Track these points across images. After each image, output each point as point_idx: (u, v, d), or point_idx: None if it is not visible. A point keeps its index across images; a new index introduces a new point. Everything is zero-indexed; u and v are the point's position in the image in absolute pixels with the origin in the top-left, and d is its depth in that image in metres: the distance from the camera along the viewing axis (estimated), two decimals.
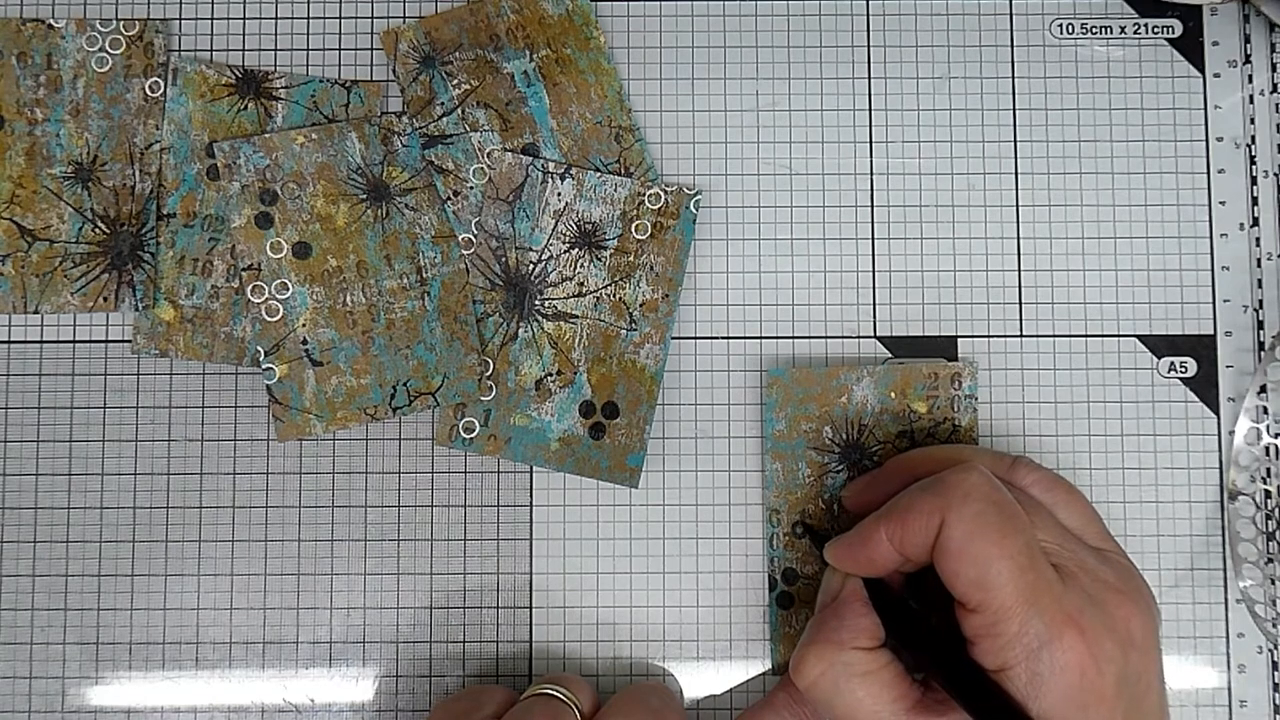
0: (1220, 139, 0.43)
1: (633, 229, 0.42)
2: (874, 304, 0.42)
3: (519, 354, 0.41)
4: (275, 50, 0.43)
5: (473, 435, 0.41)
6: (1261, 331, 0.42)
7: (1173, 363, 0.42)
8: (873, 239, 0.42)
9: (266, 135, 0.41)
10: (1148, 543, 0.41)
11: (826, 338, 0.42)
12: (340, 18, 0.43)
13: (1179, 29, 0.43)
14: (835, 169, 0.43)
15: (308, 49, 0.43)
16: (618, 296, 0.41)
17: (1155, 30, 0.43)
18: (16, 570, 0.41)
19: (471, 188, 0.42)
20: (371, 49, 0.43)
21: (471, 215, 0.42)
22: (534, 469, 0.41)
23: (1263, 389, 0.41)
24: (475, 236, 0.42)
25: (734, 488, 0.41)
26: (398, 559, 0.41)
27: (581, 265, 0.41)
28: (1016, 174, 0.43)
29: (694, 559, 0.41)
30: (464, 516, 0.41)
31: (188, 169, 0.42)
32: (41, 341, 0.42)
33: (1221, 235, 0.42)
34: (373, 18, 0.43)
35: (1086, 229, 0.42)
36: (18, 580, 0.41)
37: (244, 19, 0.43)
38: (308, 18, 0.43)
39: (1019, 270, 0.42)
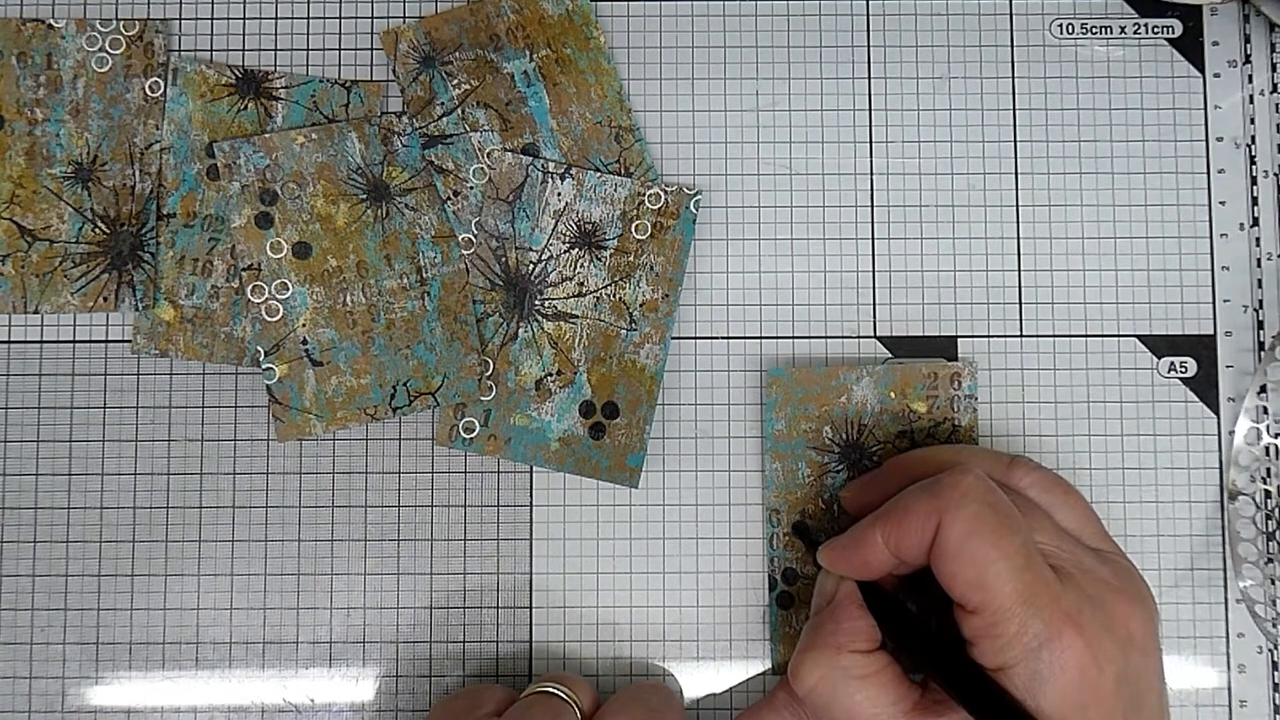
0: (1220, 139, 0.43)
1: (633, 229, 0.42)
2: (874, 304, 0.42)
3: (519, 354, 0.41)
4: (275, 50, 0.43)
5: (473, 435, 0.41)
6: (1261, 331, 0.42)
7: (1173, 363, 0.42)
8: (873, 239, 0.42)
9: (266, 135, 0.41)
10: (1148, 543, 0.41)
11: (826, 338, 0.42)
12: (340, 18, 0.43)
13: (1179, 29, 0.43)
14: (835, 169, 0.43)
15: (308, 49, 0.43)
16: (618, 296, 0.41)
17: (1155, 30, 0.43)
18: (16, 570, 0.41)
19: (471, 188, 0.42)
20: (371, 49, 0.43)
21: (471, 215, 0.42)
22: (534, 469, 0.41)
23: (1263, 389, 0.41)
24: (475, 236, 0.42)
25: (734, 488, 0.41)
26: (398, 559, 0.41)
27: (581, 265, 0.41)
28: (1016, 174, 0.43)
29: (694, 559, 0.41)
30: (464, 516, 0.41)
31: (188, 169, 0.42)
32: (41, 341, 0.42)
33: (1221, 235, 0.42)
34: (373, 18, 0.43)
35: (1086, 229, 0.42)
36: (18, 580, 0.41)
37: (244, 19, 0.43)
38: (308, 18, 0.43)
39: (1019, 270, 0.42)
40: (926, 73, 0.43)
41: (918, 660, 0.34)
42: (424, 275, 0.41)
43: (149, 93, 0.42)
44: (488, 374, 0.41)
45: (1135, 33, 0.43)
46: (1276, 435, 0.41)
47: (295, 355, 0.41)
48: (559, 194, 0.42)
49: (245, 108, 0.42)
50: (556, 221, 0.42)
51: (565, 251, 0.41)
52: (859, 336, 0.42)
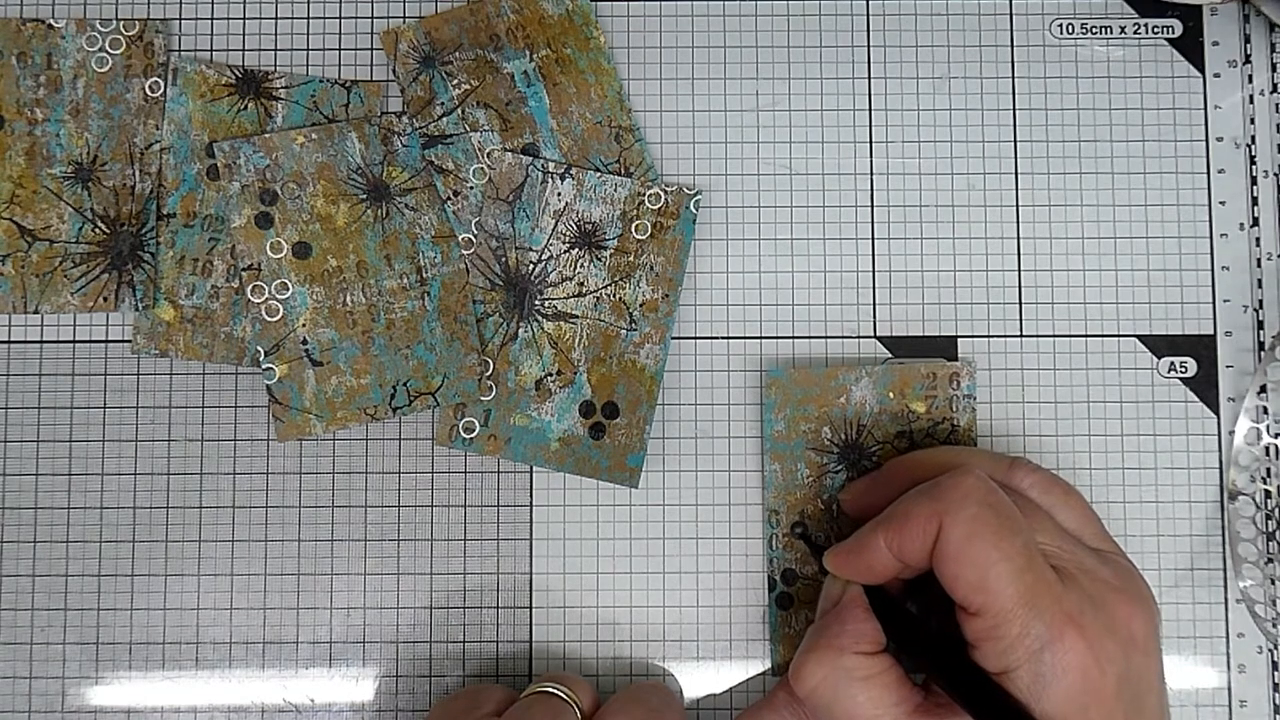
0: (1220, 139, 0.43)
1: (633, 229, 0.42)
2: (874, 304, 0.42)
3: (519, 354, 0.41)
4: (275, 50, 0.43)
5: (473, 435, 0.41)
6: (1261, 331, 0.42)
7: (1173, 363, 0.42)
8: (873, 239, 0.42)
9: (266, 135, 0.41)
10: (1148, 543, 0.41)
11: (826, 338, 0.42)
12: (340, 18, 0.43)
13: (1179, 29, 0.43)
14: (835, 169, 0.43)
15: (308, 49, 0.43)
16: (618, 296, 0.41)
17: (1155, 30, 0.43)
18: (16, 570, 0.41)
19: (471, 188, 0.42)
20: (371, 49, 0.43)
21: (471, 215, 0.42)
22: (534, 469, 0.41)
23: (1263, 389, 0.41)
24: (475, 236, 0.42)
25: (734, 488, 0.41)
26: (398, 559, 0.41)
27: (581, 265, 0.41)
28: (1016, 174, 0.43)
29: (694, 559, 0.41)
30: (464, 516, 0.41)
31: (188, 169, 0.42)
32: (41, 341, 0.42)
33: (1221, 235, 0.42)
34: (373, 18, 0.43)
35: (1086, 229, 0.42)
36: (18, 580, 0.41)
37: (244, 19, 0.43)
38: (308, 18, 0.43)
39: (1019, 270, 0.42)
40: (926, 73, 0.43)
41: (920, 662, 0.34)
42: (424, 275, 0.41)
43: (149, 93, 0.42)
44: (488, 374, 0.41)
45: (1135, 33, 0.43)
46: (1276, 435, 0.41)
47: (295, 355, 0.41)
48: (559, 194, 0.42)
49: (245, 108, 0.42)
50: (556, 221, 0.42)
51: (565, 251, 0.41)
52: (859, 336, 0.42)
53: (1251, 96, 0.43)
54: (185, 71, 0.42)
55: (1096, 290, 0.42)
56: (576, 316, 0.41)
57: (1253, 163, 0.43)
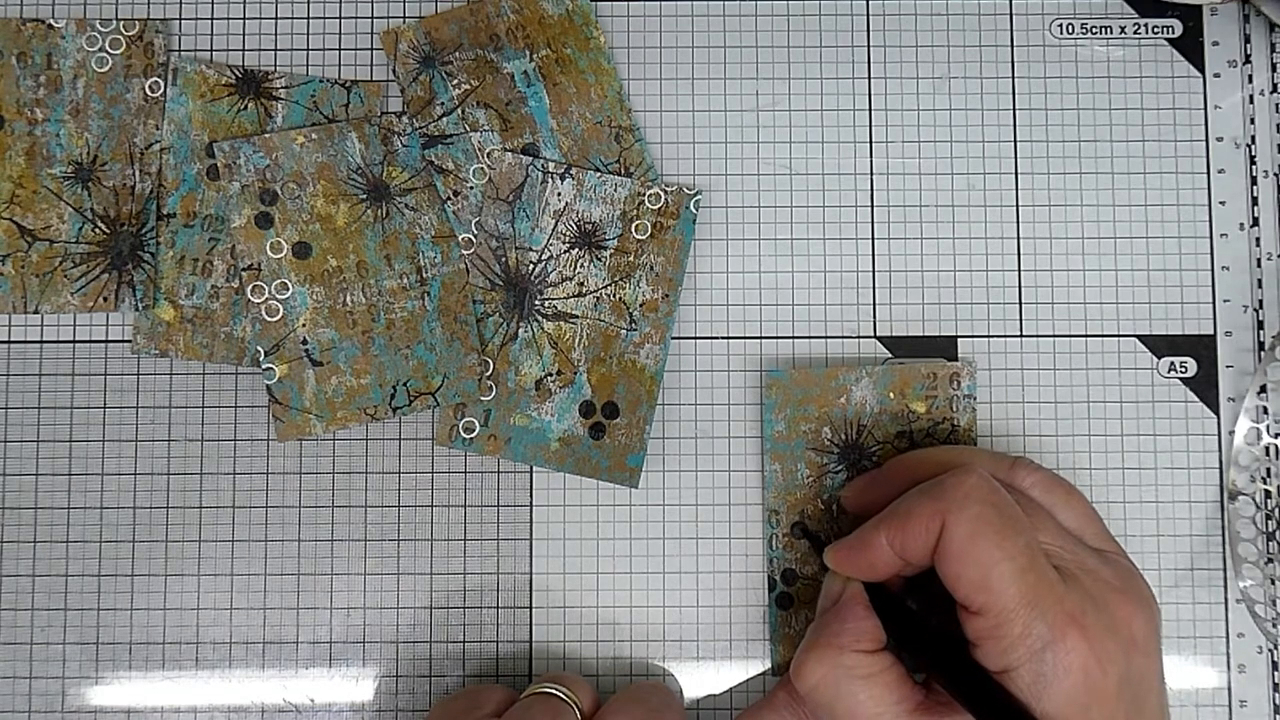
0: (1220, 139, 0.43)
1: (633, 229, 0.42)
2: (874, 304, 0.42)
3: (519, 354, 0.41)
4: (275, 50, 0.43)
5: (473, 435, 0.41)
6: (1261, 331, 0.42)
7: (1173, 363, 0.42)
8: (873, 239, 0.42)
9: (266, 135, 0.41)
10: (1148, 543, 0.41)
11: (826, 338, 0.42)
12: (340, 18, 0.43)
13: (1179, 29, 0.43)
14: (835, 169, 0.43)
15: (308, 49, 0.43)
16: (618, 296, 0.41)
17: (1155, 30, 0.43)
18: (16, 570, 0.41)
19: (471, 188, 0.42)
20: (371, 49, 0.43)
21: (471, 215, 0.42)
22: (534, 469, 0.41)
23: (1263, 389, 0.41)
24: (475, 236, 0.42)
25: (734, 488, 0.41)
26: (398, 559, 0.41)
27: (581, 265, 0.41)
28: (1016, 174, 0.43)
29: (694, 559, 0.41)
30: (464, 516, 0.41)
31: (188, 169, 0.42)
32: (41, 341, 0.42)
33: (1221, 235, 0.42)
34: (373, 18, 0.43)
35: (1086, 229, 0.42)
36: (18, 580, 0.41)
37: (244, 19, 0.43)
38: (308, 18, 0.43)
39: (1019, 270, 0.42)
40: (926, 73, 0.43)
41: (921, 661, 0.34)
42: (424, 275, 0.41)
43: (149, 93, 0.42)
44: (488, 374, 0.41)
45: (1135, 33, 0.43)
46: (1276, 435, 0.41)
47: (295, 355, 0.41)
48: (559, 194, 0.42)
49: (245, 108, 0.42)
50: (556, 221, 0.42)
51: (565, 251, 0.41)
52: (859, 336, 0.42)
53: (1251, 96, 0.43)
54: (185, 71, 0.42)
55: (1096, 290, 0.42)
56: (576, 316, 0.41)
57: (1253, 163, 0.43)
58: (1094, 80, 0.43)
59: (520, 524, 0.41)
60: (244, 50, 0.43)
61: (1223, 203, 0.43)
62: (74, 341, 0.42)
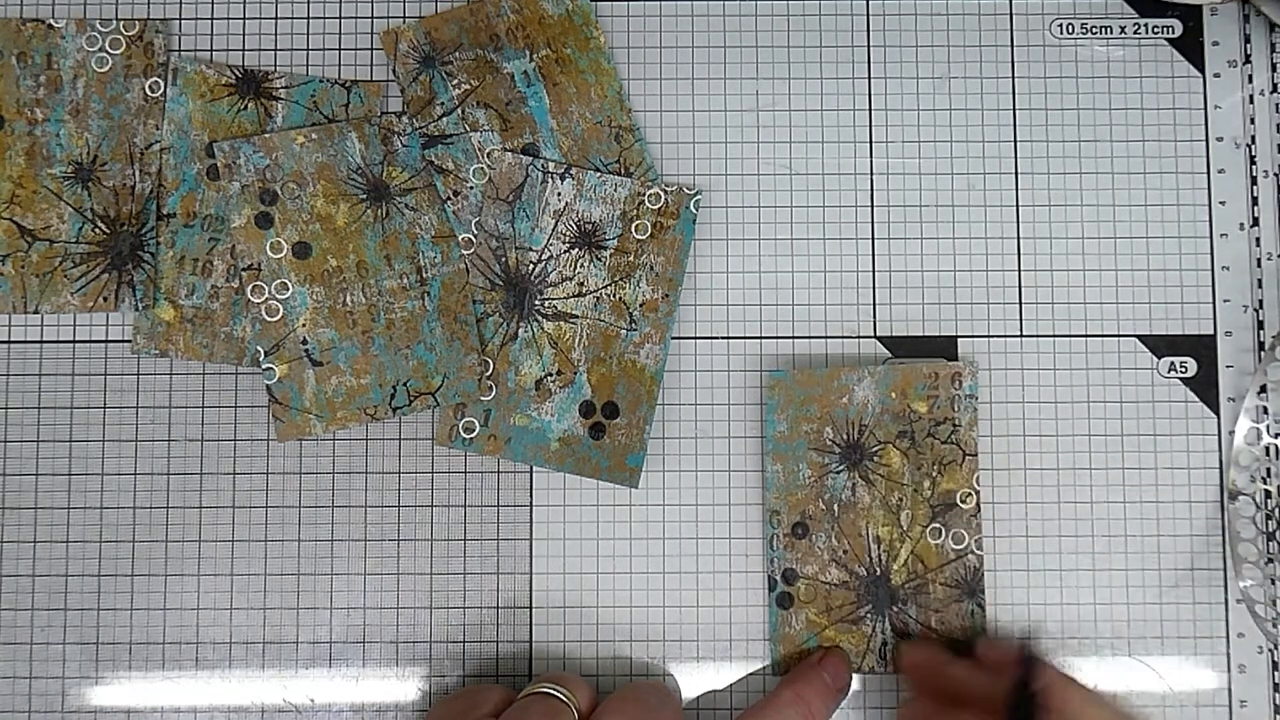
0: (1220, 139, 0.43)
1: (633, 229, 0.42)
2: (874, 304, 0.42)
3: (519, 354, 0.41)
4: (275, 50, 0.43)
5: (473, 435, 0.41)
6: (1261, 331, 0.42)
7: (1173, 363, 0.42)
8: (873, 239, 0.42)
9: (266, 135, 0.41)
10: (1148, 543, 0.41)
11: (826, 338, 0.42)
12: (340, 18, 0.43)
13: (1179, 29, 0.43)
14: (835, 169, 0.43)
15: (308, 49, 0.43)
16: (618, 296, 0.41)
17: (1155, 30, 0.43)
18: (16, 570, 0.41)
19: (471, 188, 0.42)
20: (371, 49, 0.43)
21: (471, 215, 0.42)
22: (534, 469, 0.41)
23: (1263, 389, 0.41)
24: (475, 236, 0.42)
25: (734, 488, 0.41)
26: (398, 559, 0.41)
27: (581, 265, 0.41)
28: (1016, 174, 0.43)
29: (694, 559, 0.41)
30: (464, 516, 0.41)
31: (188, 169, 0.42)
32: (41, 341, 0.42)
33: (1221, 235, 0.42)
34: (373, 18, 0.43)
35: (1086, 229, 0.42)
36: (18, 580, 0.41)
37: (244, 19, 0.43)
38: (308, 18, 0.43)
39: (1019, 270, 0.42)
40: (926, 73, 0.43)
41: None
42: (424, 275, 0.41)
43: (149, 93, 0.42)
44: (488, 374, 0.41)
45: (1135, 33, 0.43)
46: (1276, 435, 0.41)
47: (295, 355, 0.41)
48: (559, 194, 0.42)
49: (245, 108, 0.42)
50: (556, 221, 0.42)
51: (565, 251, 0.41)
52: (859, 336, 0.42)
53: (1251, 96, 0.43)
54: (185, 71, 0.42)
55: (1096, 290, 0.42)
56: (576, 316, 0.41)
57: (1253, 163, 0.43)
58: (1094, 80, 0.43)
59: (520, 524, 0.41)
60: (244, 50, 0.43)
61: (1223, 203, 0.43)
62: (74, 341, 0.42)
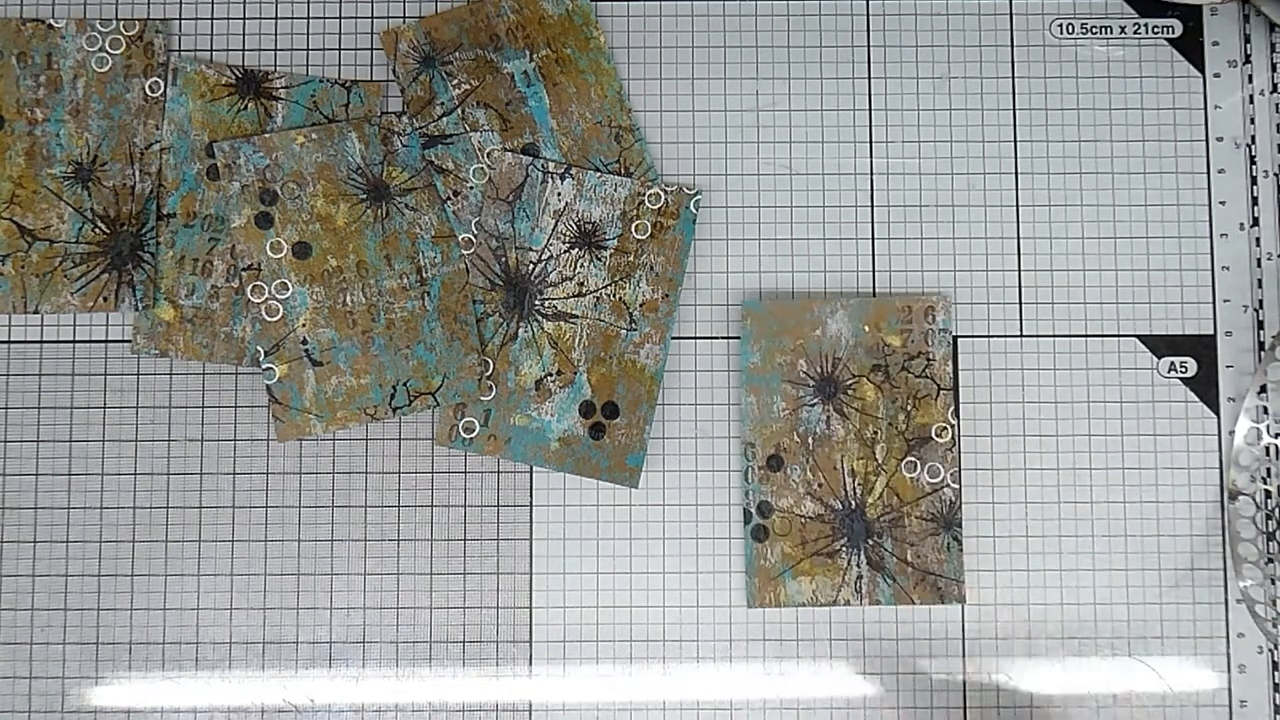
0: (1220, 139, 0.43)
1: (633, 229, 0.42)
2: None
3: (519, 354, 0.41)
4: (275, 50, 0.43)
5: (473, 435, 0.41)
6: (1261, 331, 0.42)
7: (1173, 363, 0.42)
8: (873, 239, 0.42)
9: (266, 135, 0.41)
10: (1148, 543, 0.41)
11: None
12: (340, 18, 0.43)
13: (1179, 29, 0.43)
14: (835, 169, 0.43)
15: (308, 49, 0.43)
16: (618, 296, 0.41)
17: (1155, 30, 0.43)
18: (16, 570, 0.41)
19: (471, 188, 0.42)
20: (371, 49, 0.43)
21: (471, 215, 0.42)
22: (534, 469, 0.41)
23: (1263, 389, 0.41)
24: (475, 236, 0.42)
25: (733, 488, 0.41)
26: (398, 559, 0.41)
27: (581, 265, 0.41)
28: (1016, 174, 0.43)
29: (694, 559, 0.41)
30: (464, 516, 0.41)
31: (188, 169, 0.42)
32: (41, 341, 0.42)
33: (1221, 235, 0.42)
34: (373, 18, 0.43)
35: (1086, 229, 0.42)
36: (18, 580, 0.41)
37: (244, 19, 0.43)
38: (308, 18, 0.43)
39: (1019, 270, 0.42)
40: (926, 73, 0.43)
41: None
42: (424, 275, 0.41)
43: (149, 93, 0.42)
44: (488, 374, 0.41)
45: (1135, 33, 0.43)
46: (1276, 435, 0.41)
47: (295, 355, 0.41)
48: (559, 194, 0.42)
49: (245, 108, 0.42)
50: (556, 221, 0.42)
51: (565, 251, 0.41)
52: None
53: (1251, 96, 0.43)
54: (185, 71, 0.42)
55: (1096, 290, 0.42)
56: (576, 316, 0.41)
57: (1253, 163, 0.43)
58: (1094, 80, 0.43)
59: (520, 524, 0.41)
60: (244, 50, 0.43)
61: (1223, 203, 0.43)
62: (74, 341, 0.42)
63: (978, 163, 0.43)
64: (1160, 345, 0.42)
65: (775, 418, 0.41)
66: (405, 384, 0.41)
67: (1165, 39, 0.43)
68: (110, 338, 0.42)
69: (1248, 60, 0.43)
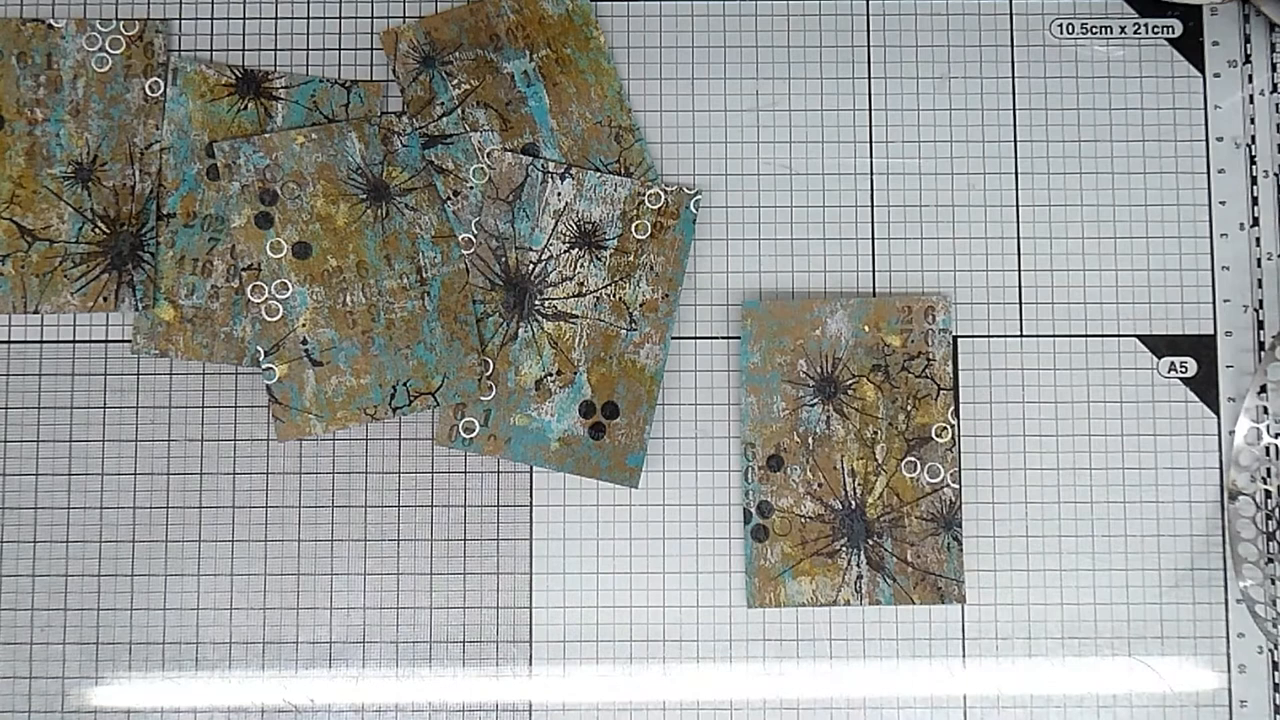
0: (1220, 139, 0.43)
1: (633, 229, 0.42)
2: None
3: (519, 354, 0.41)
4: (275, 50, 0.43)
5: (473, 435, 0.41)
6: (1261, 331, 0.42)
7: (1173, 363, 0.42)
8: (873, 239, 0.42)
9: (266, 135, 0.41)
10: (1148, 543, 0.41)
11: None
12: (340, 18, 0.43)
13: (1179, 29, 0.43)
14: (835, 169, 0.43)
15: (308, 49, 0.43)
16: (618, 296, 0.41)
17: (1155, 30, 0.43)
18: (16, 570, 0.41)
19: (471, 188, 0.42)
20: (371, 49, 0.43)
21: (471, 215, 0.42)
22: (534, 469, 0.41)
23: (1263, 389, 0.41)
24: (475, 236, 0.42)
25: (734, 488, 0.41)
26: (398, 559, 0.41)
27: (581, 265, 0.41)
28: (1016, 174, 0.43)
29: (694, 559, 0.41)
30: (464, 516, 0.41)
31: (188, 169, 0.42)
32: (41, 341, 0.42)
33: (1221, 235, 0.42)
34: (373, 18, 0.43)
35: (1086, 229, 0.42)
36: (18, 580, 0.41)
37: (244, 19, 0.43)
38: (308, 18, 0.43)
39: (1019, 270, 0.42)
40: (926, 73, 0.43)
41: None
42: (424, 275, 0.41)
43: (149, 93, 0.42)
44: (488, 374, 0.41)
45: (1135, 33, 0.43)
46: (1276, 435, 0.41)
47: (295, 355, 0.41)
48: (559, 194, 0.42)
49: (245, 108, 0.42)
50: (556, 221, 0.42)
51: (565, 251, 0.41)
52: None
53: (1251, 96, 0.43)
54: (185, 71, 0.42)
55: (1096, 290, 0.42)
56: (576, 316, 0.41)
57: (1253, 163, 0.43)
58: (1094, 80, 0.43)
59: (520, 524, 0.41)
60: (244, 50, 0.43)
61: (1223, 203, 0.43)
62: (74, 341, 0.42)
63: (978, 163, 0.43)
64: (1160, 345, 0.42)
65: (775, 418, 0.41)
66: (405, 384, 0.41)
67: (1165, 39, 0.43)
68: (110, 338, 0.42)
69: (1248, 60, 0.43)
